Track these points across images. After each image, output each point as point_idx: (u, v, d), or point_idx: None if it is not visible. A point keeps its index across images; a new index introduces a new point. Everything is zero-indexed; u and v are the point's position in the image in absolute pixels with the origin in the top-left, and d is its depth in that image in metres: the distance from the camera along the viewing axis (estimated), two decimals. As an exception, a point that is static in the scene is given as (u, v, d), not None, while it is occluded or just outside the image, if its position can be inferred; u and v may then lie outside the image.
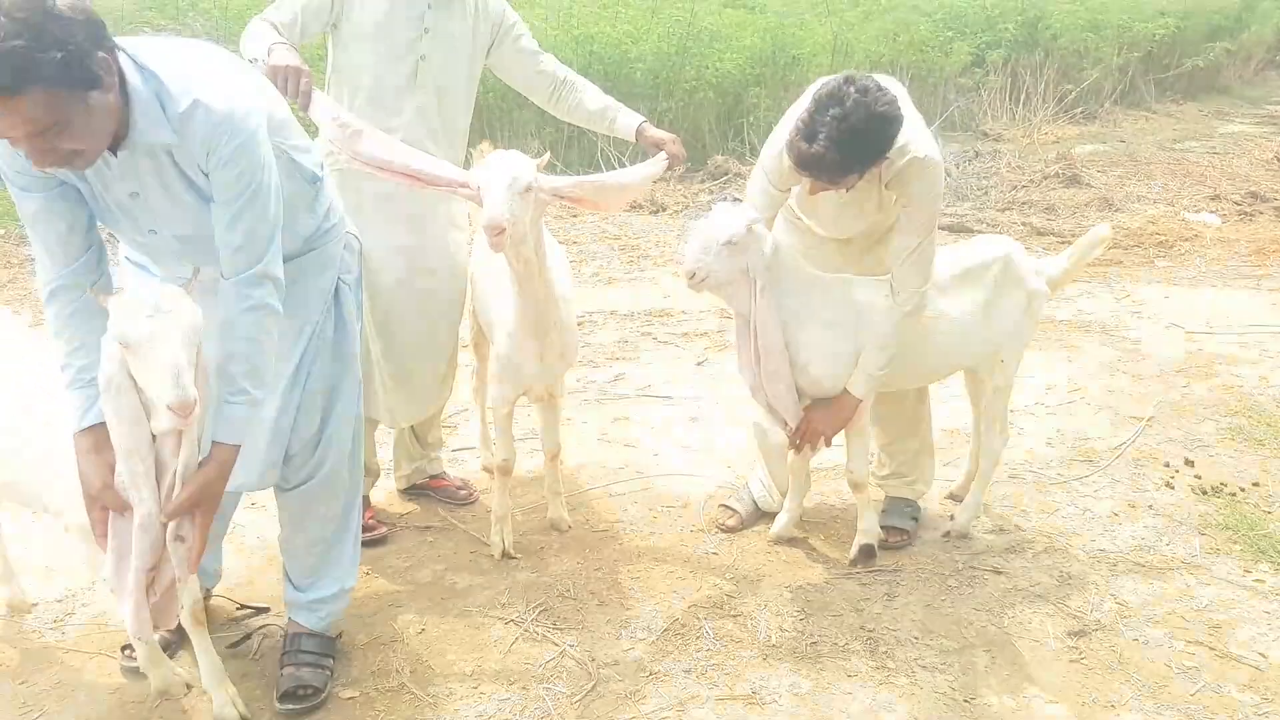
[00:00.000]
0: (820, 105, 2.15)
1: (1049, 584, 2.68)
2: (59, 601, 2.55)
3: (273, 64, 2.20)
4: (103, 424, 1.76)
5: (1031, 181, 7.27)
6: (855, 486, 2.71)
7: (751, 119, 7.85)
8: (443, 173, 2.24)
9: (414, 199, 2.56)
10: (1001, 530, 2.94)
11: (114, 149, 1.74)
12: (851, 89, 2.14)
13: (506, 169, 2.23)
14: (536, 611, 2.54)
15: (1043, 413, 3.70)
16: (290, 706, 2.16)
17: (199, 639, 2.10)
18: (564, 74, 2.70)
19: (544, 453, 2.88)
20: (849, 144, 2.14)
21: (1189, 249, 5.88)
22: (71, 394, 1.83)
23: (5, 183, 1.83)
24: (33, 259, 2.04)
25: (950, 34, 9.18)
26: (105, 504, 1.77)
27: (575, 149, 7.14)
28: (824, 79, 2.24)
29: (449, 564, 2.75)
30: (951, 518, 2.91)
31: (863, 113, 2.13)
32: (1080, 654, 2.41)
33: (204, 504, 1.81)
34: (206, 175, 1.78)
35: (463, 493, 3.06)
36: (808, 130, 2.16)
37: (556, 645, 2.41)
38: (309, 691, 2.18)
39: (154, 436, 1.74)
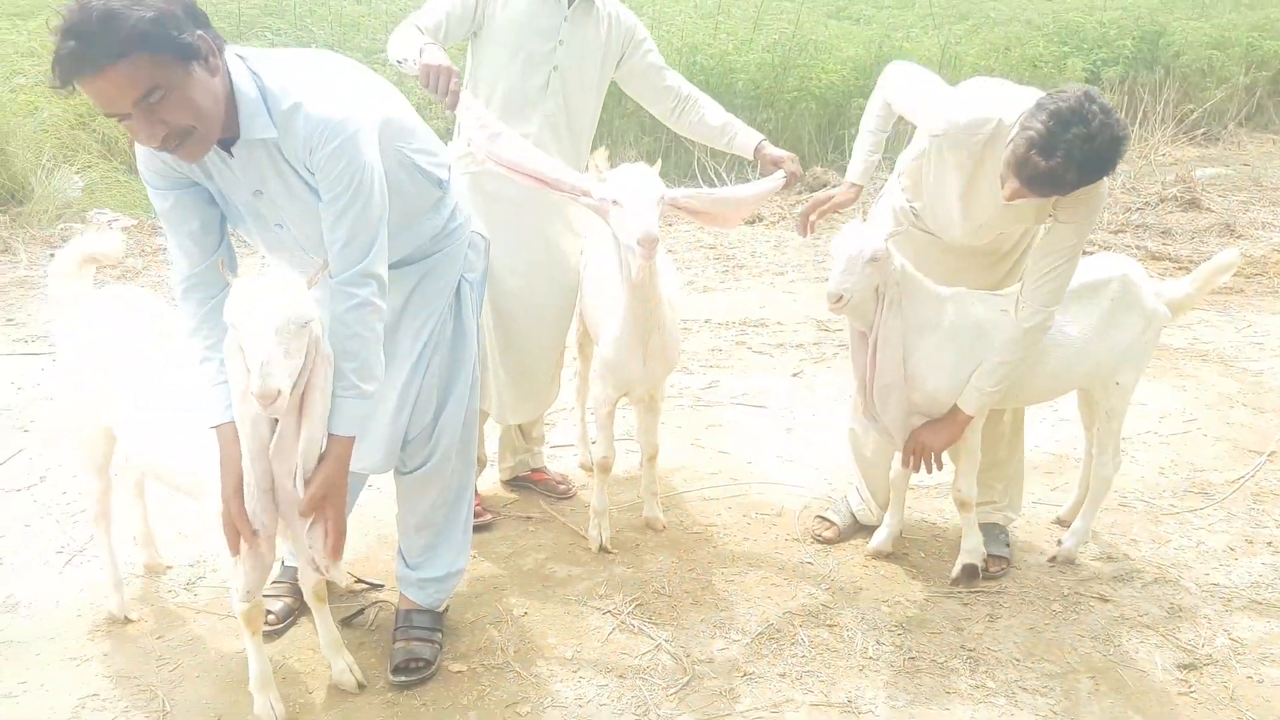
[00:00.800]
0: (1061, 122, 2.09)
1: (1158, 615, 2.61)
2: (190, 566, 2.73)
3: (425, 63, 2.30)
4: None
5: (1147, 204, 7.03)
6: (962, 505, 2.68)
7: (853, 131, 7.78)
8: (570, 180, 2.33)
9: (542, 208, 2.67)
10: (1110, 558, 2.87)
11: (229, 149, 1.85)
12: (1095, 107, 2.09)
13: (651, 184, 2.30)
14: (633, 605, 2.59)
15: (1155, 441, 3.59)
16: (403, 678, 2.26)
17: (320, 612, 2.23)
18: (687, 90, 2.77)
19: (642, 454, 2.94)
20: (1089, 164, 2.10)
21: (1316, 281, 5.60)
22: (213, 389, 1.93)
23: (146, 183, 1.97)
24: (165, 249, 2.20)
25: (1065, 49, 8.95)
26: (242, 500, 1.87)
27: (671, 159, 7.22)
28: (1056, 92, 2.16)
29: (549, 553, 2.83)
30: (1059, 543, 2.86)
31: (1107, 135, 2.09)
32: (1189, 687, 2.34)
33: (331, 495, 1.92)
34: (312, 173, 1.87)
35: (562, 487, 3.14)
36: (1045, 145, 2.09)
37: (652, 639, 2.46)
38: (420, 664, 2.29)
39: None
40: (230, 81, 1.78)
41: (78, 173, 5.68)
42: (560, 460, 3.37)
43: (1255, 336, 4.70)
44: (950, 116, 2.30)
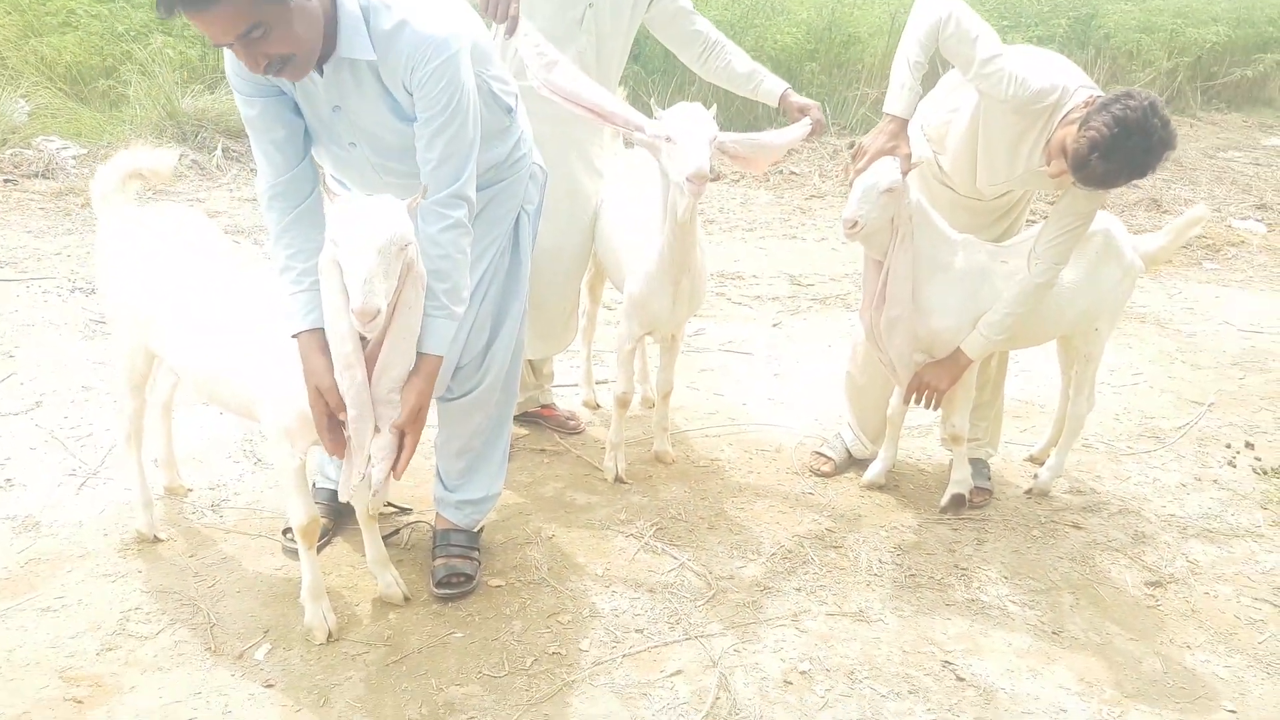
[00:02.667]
0: (1126, 130, 2.20)
1: (1125, 540, 2.88)
2: (211, 489, 2.75)
3: None
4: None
5: (1081, 178, 7.41)
6: (954, 440, 2.89)
7: (803, 94, 7.97)
8: (625, 113, 2.40)
9: (565, 147, 2.72)
10: (1079, 492, 3.13)
11: (321, 64, 1.87)
12: (1157, 120, 2.21)
13: (705, 122, 2.37)
14: (653, 529, 2.73)
15: (1109, 392, 3.88)
16: (446, 591, 2.36)
17: (369, 531, 2.30)
18: (715, 36, 2.82)
19: (657, 391, 3.06)
20: (1139, 172, 2.27)
21: (1236, 254, 6.04)
22: (294, 296, 1.95)
23: (234, 90, 1.99)
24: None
25: (1005, 23, 9.28)
26: (328, 400, 1.90)
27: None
28: (1124, 95, 2.26)
29: (567, 483, 2.94)
30: (1035, 476, 3.11)
31: (1161, 150, 2.23)
32: (1157, 601, 2.61)
33: (421, 411, 1.97)
34: (410, 93, 1.90)
35: (571, 423, 3.24)
36: (1106, 150, 2.21)
37: (675, 559, 2.61)
38: (462, 579, 2.38)
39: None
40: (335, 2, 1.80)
41: (23, 96, 5.43)
42: (563, 399, 3.47)
43: (1185, 303, 5.07)
44: (1022, 81, 2.39)
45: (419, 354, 1.96)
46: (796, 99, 2.76)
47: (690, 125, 2.35)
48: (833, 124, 7.99)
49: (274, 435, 2.05)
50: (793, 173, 7.08)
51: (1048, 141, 2.45)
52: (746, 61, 2.83)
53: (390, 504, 2.68)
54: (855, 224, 2.53)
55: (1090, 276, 2.83)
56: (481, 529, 2.53)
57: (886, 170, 2.52)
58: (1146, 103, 2.25)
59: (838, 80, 8.45)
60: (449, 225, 1.94)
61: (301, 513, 2.12)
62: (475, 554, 2.45)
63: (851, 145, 2.63)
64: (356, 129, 2.00)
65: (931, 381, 2.73)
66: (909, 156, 2.55)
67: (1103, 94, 2.36)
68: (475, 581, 2.40)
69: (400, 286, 1.84)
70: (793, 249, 5.36)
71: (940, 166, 2.78)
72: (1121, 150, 2.22)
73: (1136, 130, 2.22)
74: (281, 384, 1.96)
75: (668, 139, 2.35)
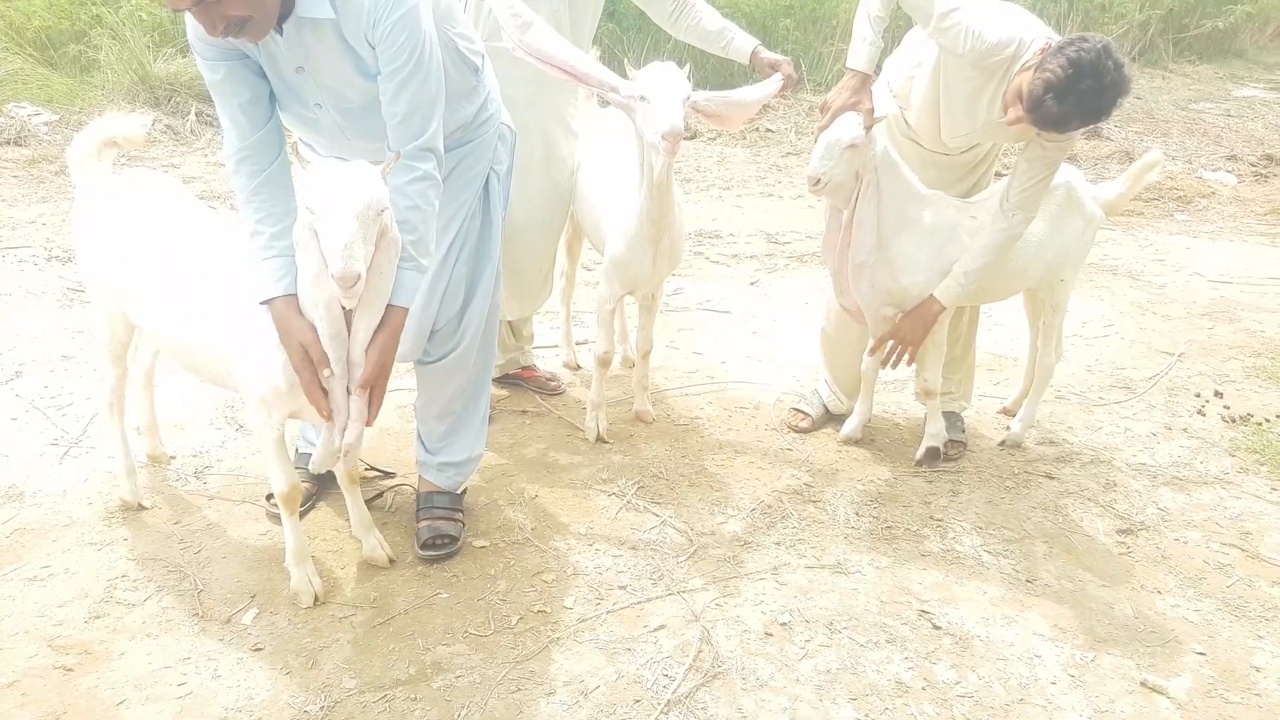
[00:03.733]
0: (1079, 72, 2.22)
1: (1096, 489, 2.94)
2: (194, 456, 2.75)
3: None
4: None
5: (1055, 132, 7.43)
6: (927, 394, 2.93)
7: (778, 50, 7.91)
8: (599, 74, 2.39)
9: (542, 108, 2.71)
10: (1051, 443, 3.20)
11: (280, 23, 1.86)
12: (1111, 63, 2.23)
13: (678, 81, 2.38)
14: (635, 488, 2.77)
15: (1081, 344, 3.94)
16: (431, 553, 2.39)
17: (352, 494, 2.32)
18: None
19: (637, 350, 3.09)
20: (1093, 114, 2.29)
21: (1206, 205, 6.11)
22: (264, 262, 1.94)
23: (196, 56, 1.96)
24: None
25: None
26: (313, 355, 1.90)
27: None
28: (1079, 39, 2.28)
29: (549, 443, 2.97)
30: (1008, 428, 3.16)
31: (1115, 92, 2.25)
32: (1128, 549, 2.68)
33: (386, 365, 1.97)
34: (373, 48, 1.89)
35: (552, 384, 3.26)
36: (1060, 91, 2.24)
37: (657, 516, 2.65)
38: (446, 540, 2.41)
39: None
40: None
41: (-8, 63, 5.33)
42: (544, 360, 3.48)
43: (1156, 255, 5.13)
44: (979, 35, 2.40)
45: (387, 305, 1.97)
46: (767, 55, 2.76)
47: (663, 84, 2.35)
48: (808, 80, 7.95)
49: (252, 404, 2.05)
50: (769, 130, 7.06)
51: (1005, 92, 2.47)
52: (717, 19, 2.82)
53: (374, 468, 2.70)
54: (818, 180, 2.55)
55: (1054, 229, 2.85)
56: (464, 490, 2.55)
57: (848, 126, 2.53)
58: (1100, 45, 2.27)
59: (812, 36, 8.40)
60: (417, 177, 1.94)
61: (282, 480, 2.13)
62: (459, 515, 2.48)
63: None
64: (322, 89, 1.99)
65: (906, 336, 2.77)
66: (871, 111, 2.56)
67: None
68: (460, 542, 2.43)
69: (374, 251, 1.83)
70: (770, 207, 5.37)
71: (907, 122, 2.80)
72: (1075, 92, 2.25)
73: (1089, 72, 2.24)
74: (259, 352, 1.96)
75: (641, 98, 2.35)
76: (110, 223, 2.20)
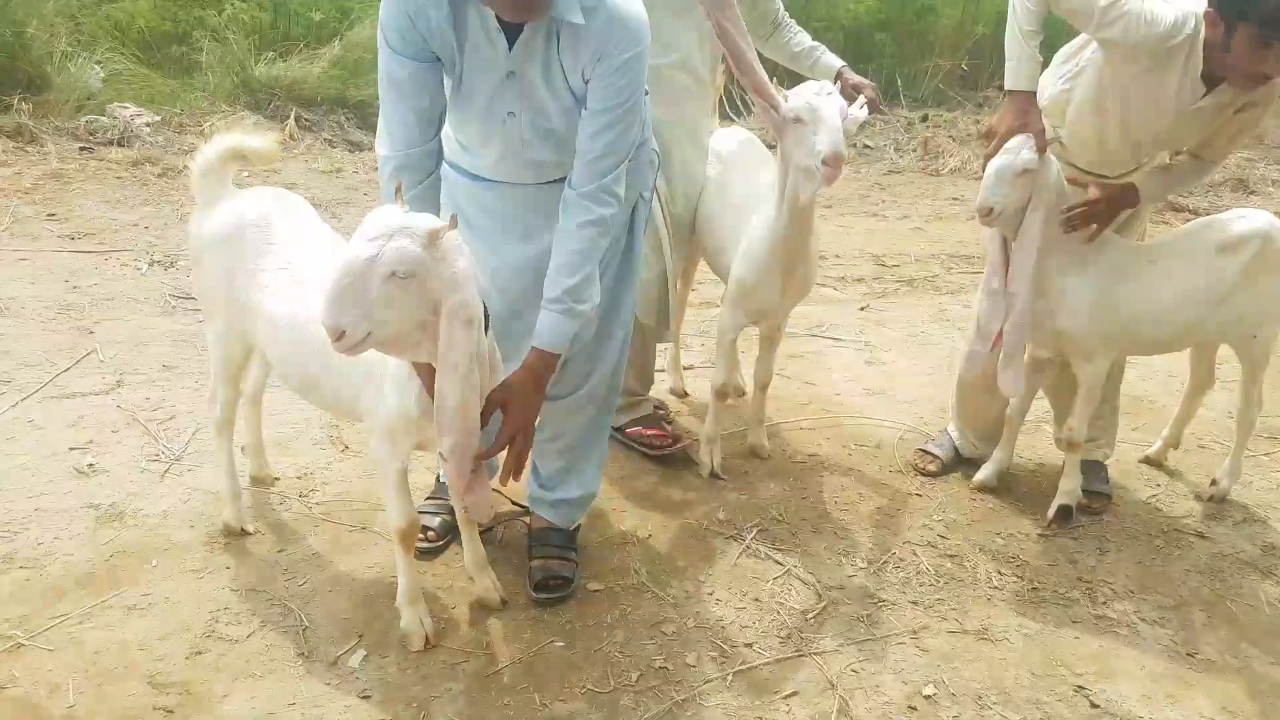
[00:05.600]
0: None
1: (1254, 552, 2.68)
2: (299, 478, 2.66)
3: None
4: None
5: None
6: (1071, 446, 2.70)
7: (874, 65, 7.69)
8: (761, 77, 2.28)
9: (682, 125, 2.61)
10: (1198, 498, 2.93)
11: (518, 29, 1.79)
12: None
13: (837, 103, 2.25)
14: (754, 531, 2.59)
15: (1219, 388, 3.62)
16: (545, 595, 2.24)
17: (468, 531, 2.19)
18: (782, 14, 2.73)
19: (755, 381, 2.91)
20: None
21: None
22: None
23: (382, 46, 1.85)
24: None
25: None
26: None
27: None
28: None
29: (660, 477, 2.81)
30: (1213, 483, 2.91)
31: None
32: (1297, 622, 2.42)
33: (529, 414, 1.86)
34: (586, 82, 1.82)
35: (660, 411, 3.10)
36: None
37: (780, 564, 2.47)
38: (560, 581, 2.26)
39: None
40: None
41: (98, 62, 5.37)
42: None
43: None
44: (1152, 20, 2.22)
45: (533, 348, 1.86)
46: (852, 77, 2.63)
47: (824, 105, 2.19)
48: (904, 95, 7.71)
49: (378, 434, 1.93)
50: (866, 146, 6.83)
51: (1202, 75, 2.28)
52: (806, 39, 2.74)
53: (515, 502, 2.53)
54: (990, 210, 2.35)
55: (1244, 281, 2.55)
56: (578, 528, 2.41)
57: (1020, 150, 2.34)
58: None
59: (910, 51, 8.13)
60: (591, 220, 1.86)
61: (401, 516, 2.01)
62: (572, 555, 2.33)
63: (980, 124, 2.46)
64: (523, 99, 1.88)
65: (1097, 211, 2.46)
66: (1043, 132, 2.37)
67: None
68: (574, 585, 2.28)
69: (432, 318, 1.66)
70: (875, 228, 5.15)
71: (1061, 143, 2.58)
72: None
73: None
74: (389, 383, 1.84)
75: (797, 120, 2.19)
76: (231, 239, 2.10)
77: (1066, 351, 2.58)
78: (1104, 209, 2.49)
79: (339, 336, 1.59)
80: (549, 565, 2.28)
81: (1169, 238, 2.60)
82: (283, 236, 2.06)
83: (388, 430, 1.91)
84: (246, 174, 3.85)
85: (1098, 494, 2.82)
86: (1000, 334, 2.55)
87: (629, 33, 1.77)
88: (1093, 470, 2.85)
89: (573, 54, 1.80)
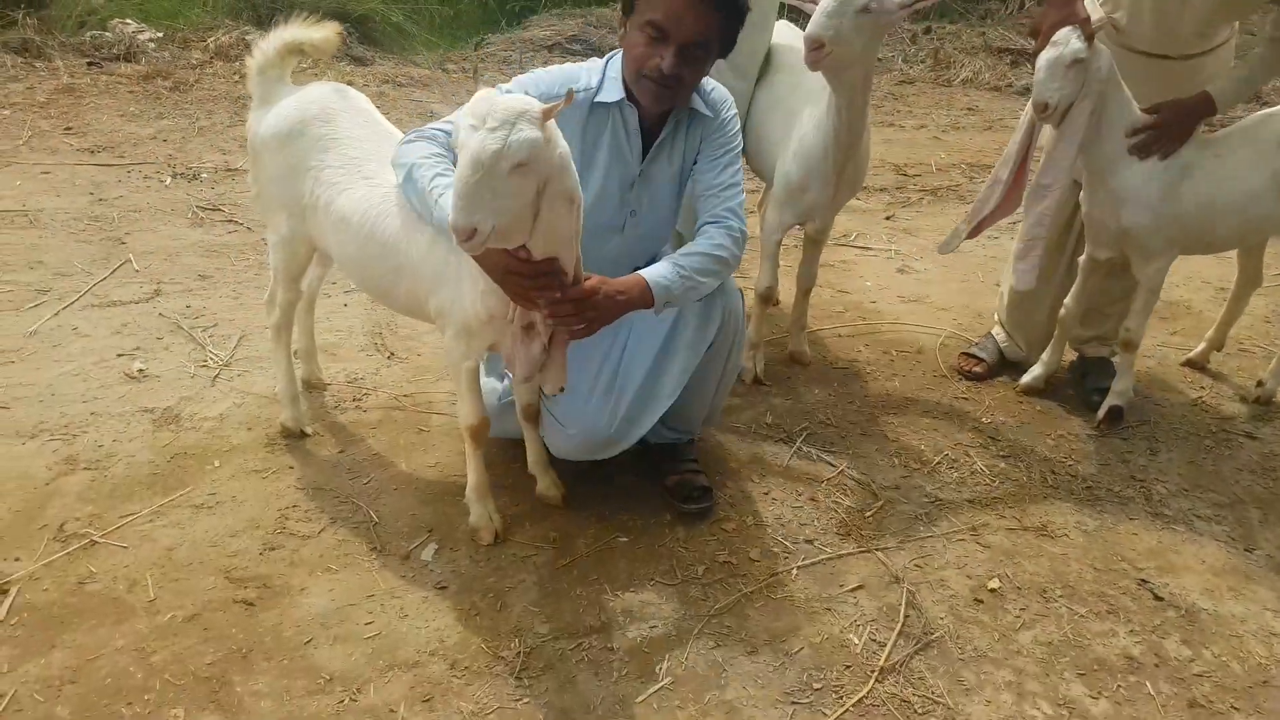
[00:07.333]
0: None
1: (1303, 452, 2.70)
2: (350, 383, 2.65)
3: None
4: None
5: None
6: (1127, 345, 2.68)
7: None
8: None
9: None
10: (1243, 400, 2.94)
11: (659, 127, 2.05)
12: None
13: None
14: (804, 434, 2.60)
15: (1257, 293, 3.62)
16: (693, 506, 2.24)
17: (529, 432, 2.19)
18: None
19: (798, 286, 2.89)
20: None
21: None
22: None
23: None
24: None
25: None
26: (518, 279, 1.74)
27: None
28: None
29: (708, 383, 2.80)
30: (1259, 384, 2.91)
31: None
32: (1351, 519, 2.44)
33: (600, 316, 1.82)
34: (697, 156, 2.09)
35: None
36: None
37: (833, 465, 2.48)
38: (700, 492, 2.26)
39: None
40: None
41: (98, -24, 5.20)
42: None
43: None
44: None
45: (642, 276, 1.88)
46: None
47: None
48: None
49: (451, 333, 1.91)
50: (876, 57, 6.69)
51: None
52: None
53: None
54: (1047, 106, 2.30)
55: None
56: (692, 440, 2.39)
57: (1069, 41, 2.27)
58: None
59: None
60: (717, 252, 2.00)
61: (471, 413, 2.00)
62: (697, 465, 2.33)
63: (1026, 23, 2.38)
64: (644, 198, 2.09)
65: (1170, 130, 2.41)
66: (1088, 20, 2.30)
67: None
68: (714, 494, 2.29)
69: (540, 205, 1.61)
70: (893, 138, 5.07)
71: (1116, 27, 2.49)
72: None
73: None
74: (465, 280, 1.81)
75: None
76: (293, 136, 2.04)
77: (1128, 249, 2.55)
78: (1176, 126, 2.41)
79: (469, 236, 1.51)
80: (685, 480, 2.27)
81: (1234, 129, 2.54)
82: (347, 132, 2.00)
83: (463, 328, 1.89)
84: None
85: (1105, 390, 2.78)
86: (983, 222, 2.55)
87: (726, 99, 2.09)
88: (1102, 367, 2.86)
89: (693, 136, 2.07)
